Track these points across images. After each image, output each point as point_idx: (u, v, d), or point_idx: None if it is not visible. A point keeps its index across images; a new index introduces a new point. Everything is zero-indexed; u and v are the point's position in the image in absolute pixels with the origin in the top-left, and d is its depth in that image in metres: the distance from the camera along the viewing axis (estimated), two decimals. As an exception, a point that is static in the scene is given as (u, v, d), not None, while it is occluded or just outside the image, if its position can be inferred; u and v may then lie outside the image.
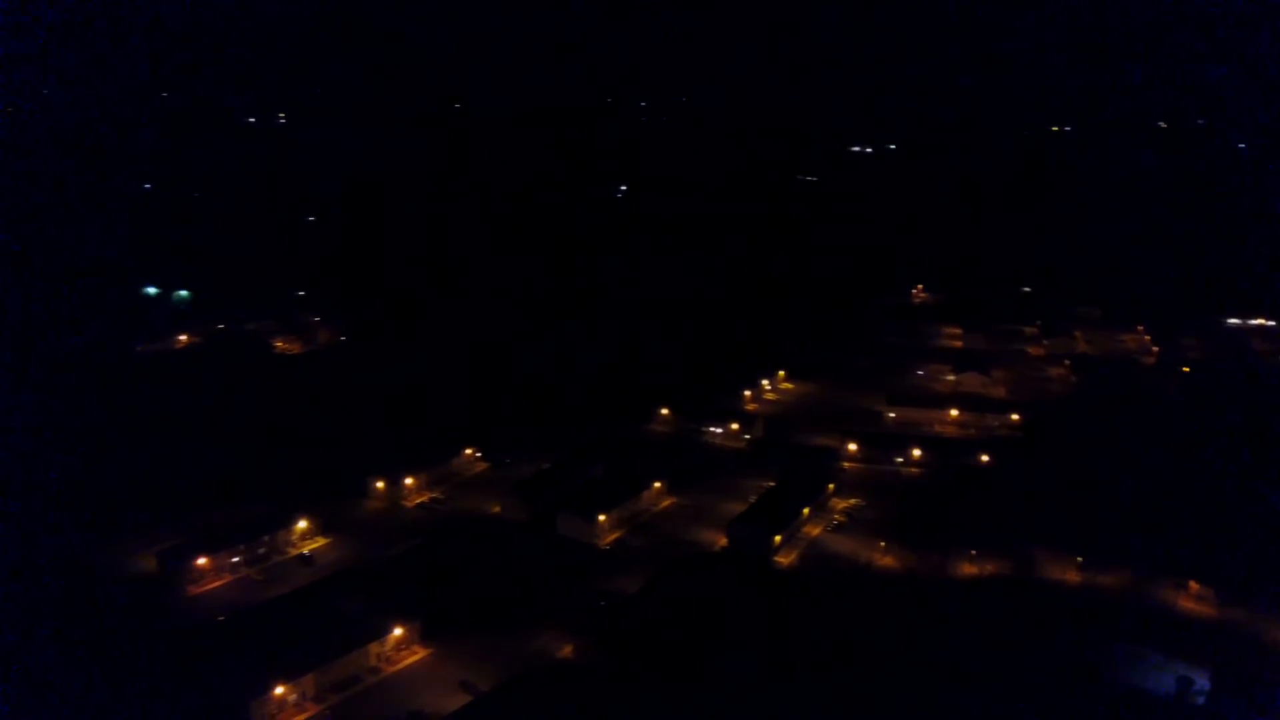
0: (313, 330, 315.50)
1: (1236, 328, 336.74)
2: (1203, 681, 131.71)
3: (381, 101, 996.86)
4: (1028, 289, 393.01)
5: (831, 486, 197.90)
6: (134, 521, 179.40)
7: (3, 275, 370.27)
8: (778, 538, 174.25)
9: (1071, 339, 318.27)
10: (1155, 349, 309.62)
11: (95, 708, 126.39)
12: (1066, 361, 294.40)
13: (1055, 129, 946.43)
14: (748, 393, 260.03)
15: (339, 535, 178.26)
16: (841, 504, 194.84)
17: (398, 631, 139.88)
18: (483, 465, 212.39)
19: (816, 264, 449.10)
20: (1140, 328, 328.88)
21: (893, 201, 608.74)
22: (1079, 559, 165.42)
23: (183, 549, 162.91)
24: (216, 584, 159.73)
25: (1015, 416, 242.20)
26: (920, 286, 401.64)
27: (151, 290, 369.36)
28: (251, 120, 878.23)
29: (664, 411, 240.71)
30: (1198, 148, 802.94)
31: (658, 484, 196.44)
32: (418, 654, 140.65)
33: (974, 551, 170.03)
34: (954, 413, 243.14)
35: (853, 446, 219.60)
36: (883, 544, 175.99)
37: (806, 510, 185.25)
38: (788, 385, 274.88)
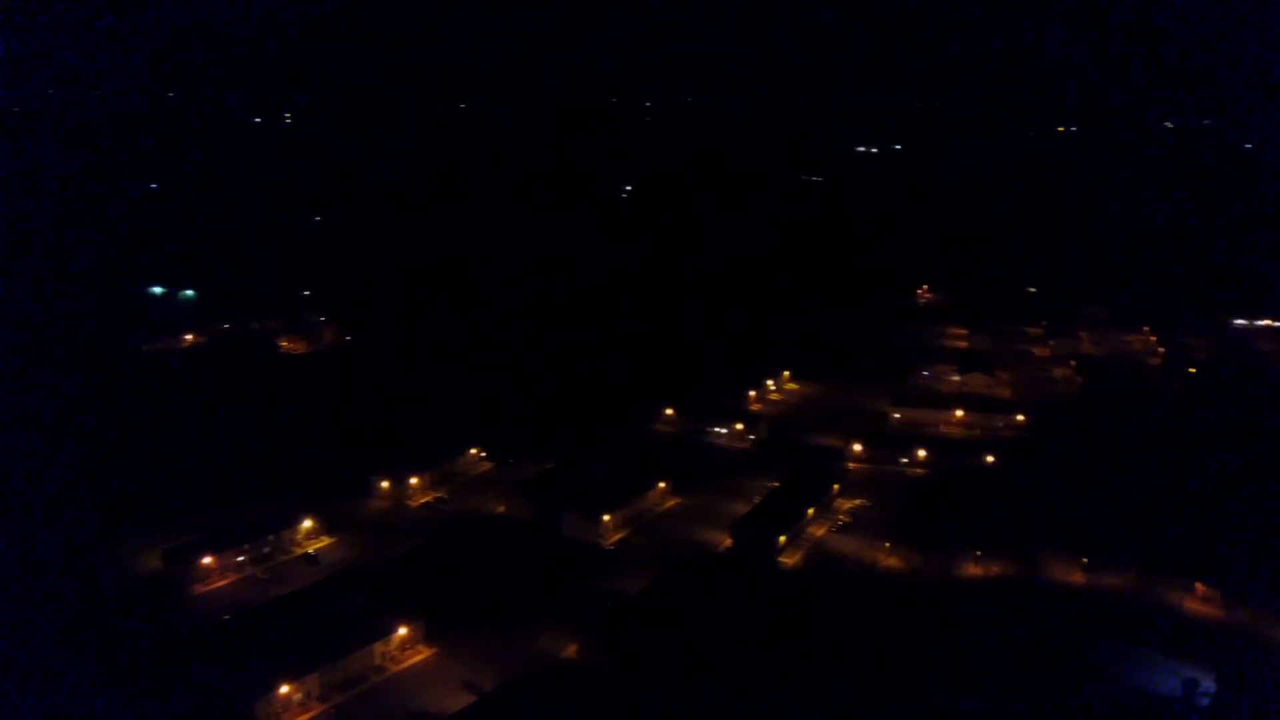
0: (318, 330, 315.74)
1: (1242, 329, 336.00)
2: (1208, 683, 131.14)
3: (388, 101, 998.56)
4: (1033, 289, 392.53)
5: (836, 487, 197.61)
6: (139, 520, 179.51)
7: (9, 274, 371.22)
8: (782, 538, 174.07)
9: (1077, 340, 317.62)
10: (1161, 350, 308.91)
11: (100, 706, 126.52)
12: (1072, 362, 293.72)
13: (1061, 129, 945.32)
14: (752, 393, 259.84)
15: (344, 535, 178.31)
16: (846, 504, 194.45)
17: (402, 631, 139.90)
18: (487, 465, 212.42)
19: (821, 264, 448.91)
20: (1146, 328, 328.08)
21: (898, 202, 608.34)
22: (1084, 560, 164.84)
23: (188, 548, 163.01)
24: (221, 583, 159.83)
25: (1020, 417, 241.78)
26: (925, 287, 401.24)
27: (157, 290, 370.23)
28: (257, 120, 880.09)
29: (668, 412, 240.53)
30: (1203, 148, 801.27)
31: (662, 484, 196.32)
32: (422, 654, 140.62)
33: (979, 552, 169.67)
34: (959, 413, 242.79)
35: (857, 447, 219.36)
36: (888, 545, 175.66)
37: (811, 511, 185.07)
38: (792, 385, 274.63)
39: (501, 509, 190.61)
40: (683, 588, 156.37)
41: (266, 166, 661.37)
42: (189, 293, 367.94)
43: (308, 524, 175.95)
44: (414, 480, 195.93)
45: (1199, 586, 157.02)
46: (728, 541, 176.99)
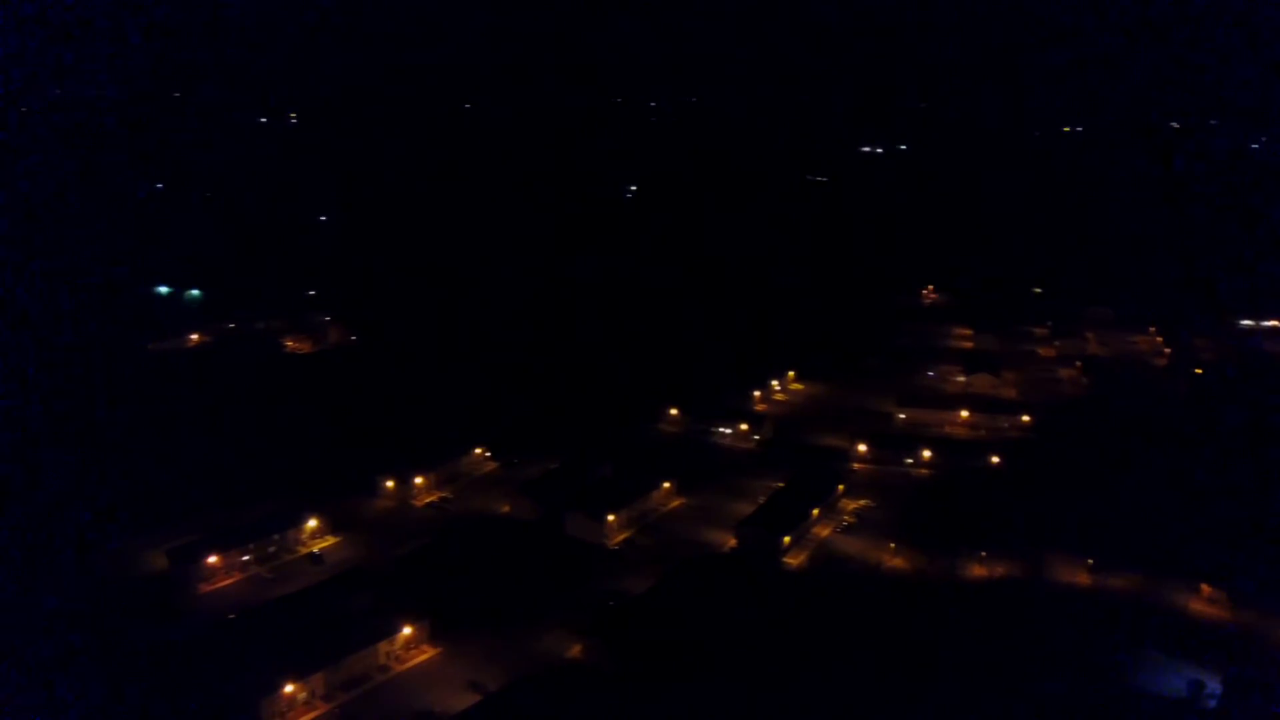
0: (323, 329, 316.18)
1: (1249, 329, 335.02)
2: (1214, 685, 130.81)
3: (392, 101, 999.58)
4: (1039, 290, 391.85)
5: (841, 487, 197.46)
6: (144, 519, 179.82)
7: (14, 274, 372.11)
8: (787, 539, 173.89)
9: (1083, 340, 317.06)
10: (1167, 350, 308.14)
11: (105, 705, 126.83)
12: (1078, 363, 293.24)
13: (1066, 129, 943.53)
14: (757, 393, 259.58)
15: (348, 534, 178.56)
16: (851, 505, 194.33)
17: (407, 630, 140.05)
18: (492, 465, 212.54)
19: (826, 264, 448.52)
20: (1152, 329, 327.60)
21: (903, 202, 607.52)
22: (1090, 561, 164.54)
23: (193, 547, 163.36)
24: (227, 582, 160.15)
25: (1026, 418, 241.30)
26: (930, 287, 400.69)
27: (163, 289, 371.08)
28: (263, 120, 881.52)
29: (673, 412, 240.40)
30: (1210, 148, 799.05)
31: (666, 484, 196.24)
32: (426, 653, 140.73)
33: (984, 553, 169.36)
34: (964, 414, 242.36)
35: (862, 447, 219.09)
36: (892, 545, 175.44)
37: (816, 511, 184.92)
38: (797, 386, 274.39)
39: (506, 509, 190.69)
40: (687, 588, 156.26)
41: (272, 166, 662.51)
42: (195, 292, 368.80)
43: (313, 523, 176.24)
44: (419, 480, 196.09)
45: (1205, 588, 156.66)
46: (732, 542, 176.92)
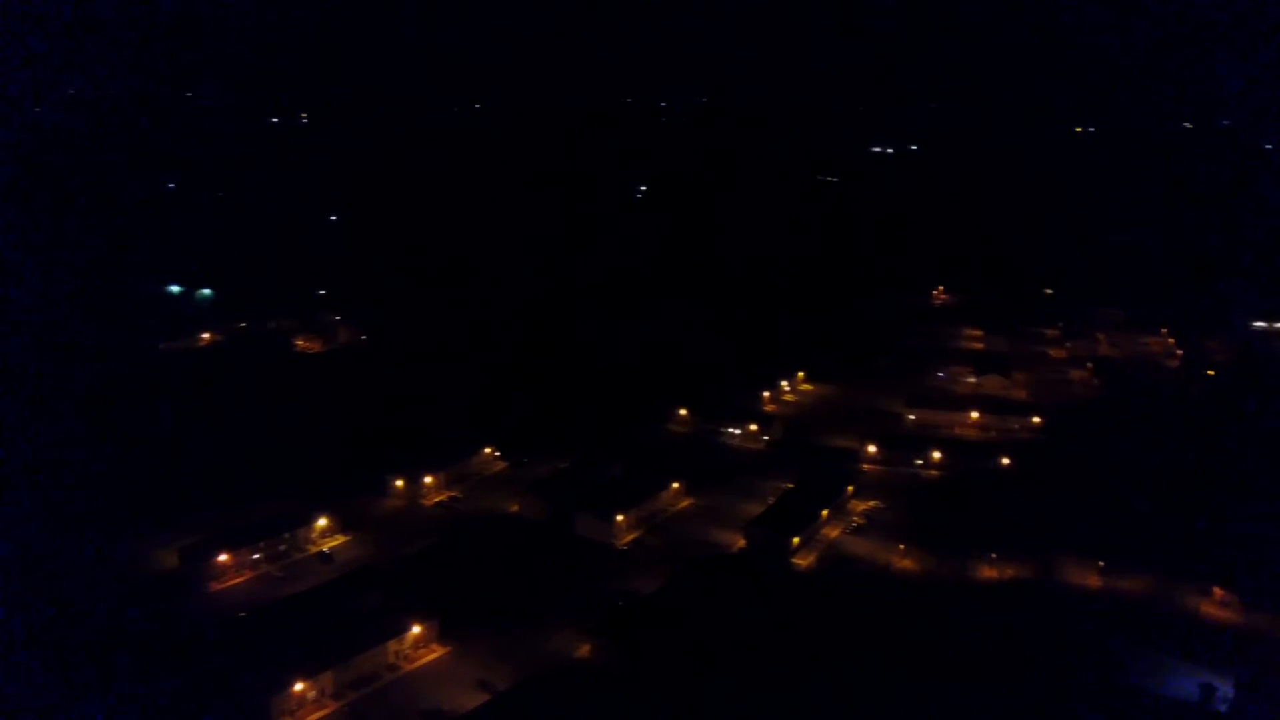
0: (333, 329, 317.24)
1: (1262, 331, 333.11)
2: (1226, 688, 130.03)
3: (403, 101, 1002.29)
4: (1049, 291, 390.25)
5: (850, 488, 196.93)
6: (155, 518, 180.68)
7: (26, 273, 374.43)
8: (796, 539, 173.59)
9: (1094, 341, 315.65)
10: (1179, 352, 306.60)
11: (116, 703, 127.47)
12: (1089, 364, 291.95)
13: (1078, 129, 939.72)
14: (767, 394, 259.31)
15: (358, 533, 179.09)
16: (860, 506, 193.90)
17: (416, 629, 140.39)
18: (501, 464, 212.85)
19: (836, 265, 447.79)
20: (1164, 330, 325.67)
21: (914, 202, 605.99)
22: (1100, 563, 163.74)
23: (204, 546, 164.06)
24: (237, 580, 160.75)
25: (1036, 419, 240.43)
26: (941, 288, 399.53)
27: (174, 289, 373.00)
28: (274, 120, 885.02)
29: (682, 412, 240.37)
30: (1222, 149, 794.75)
31: (676, 484, 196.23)
32: (435, 652, 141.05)
33: (994, 555, 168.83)
34: (974, 415, 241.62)
35: (872, 448, 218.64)
36: (902, 547, 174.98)
37: (825, 512, 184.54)
38: (807, 386, 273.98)
39: (515, 509, 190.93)
40: (695, 588, 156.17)
41: (283, 166, 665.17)
42: (206, 292, 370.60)
43: (323, 522, 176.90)
44: (428, 479, 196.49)
45: (1217, 591, 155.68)
46: (741, 542, 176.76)
